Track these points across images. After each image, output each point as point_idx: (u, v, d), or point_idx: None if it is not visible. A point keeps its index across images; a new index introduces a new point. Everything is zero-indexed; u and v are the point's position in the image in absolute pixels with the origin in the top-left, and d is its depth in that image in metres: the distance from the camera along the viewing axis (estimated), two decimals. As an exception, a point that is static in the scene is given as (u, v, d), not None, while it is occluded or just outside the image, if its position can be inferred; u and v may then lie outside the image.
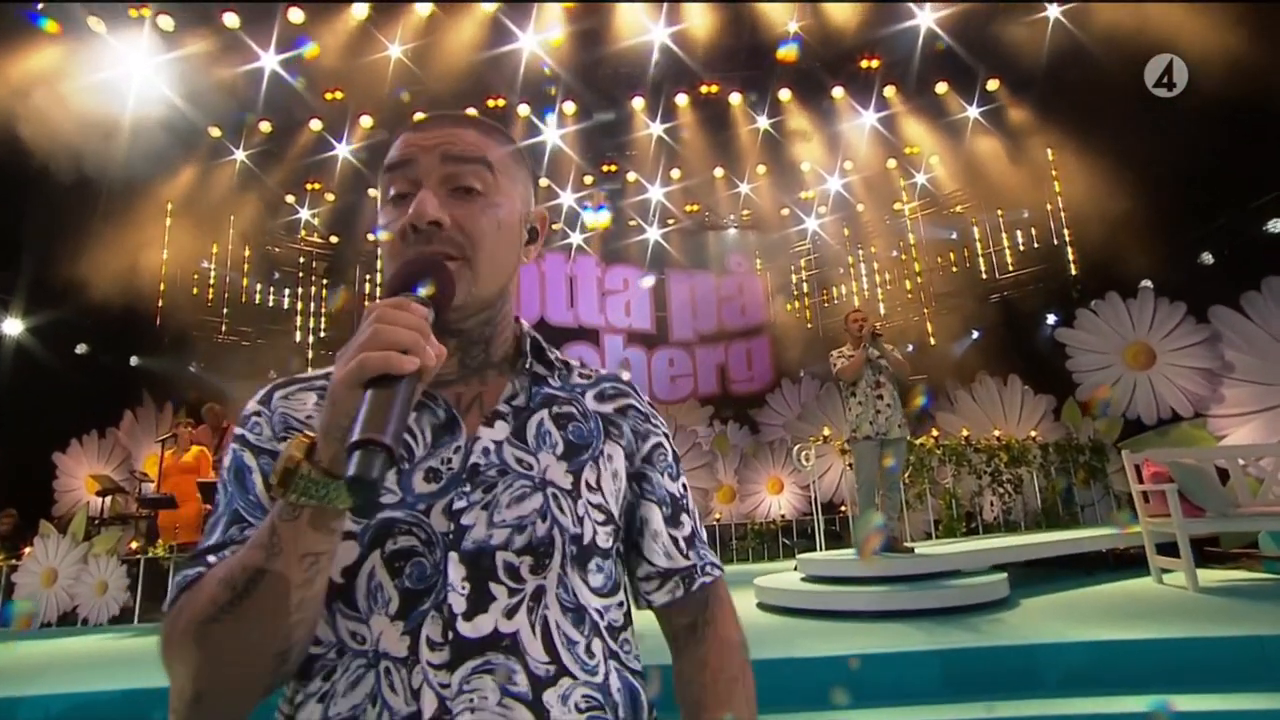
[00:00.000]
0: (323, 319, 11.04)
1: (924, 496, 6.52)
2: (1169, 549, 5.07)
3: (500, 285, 0.75)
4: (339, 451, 0.53)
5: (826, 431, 6.82)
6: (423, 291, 0.61)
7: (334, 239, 11.31)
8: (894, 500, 5.15)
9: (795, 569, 5.36)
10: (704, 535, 0.86)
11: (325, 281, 11.21)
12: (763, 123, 10.55)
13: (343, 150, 10.07)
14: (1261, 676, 3.19)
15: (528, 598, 0.65)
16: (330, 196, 10.74)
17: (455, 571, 0.64)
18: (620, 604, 0.74)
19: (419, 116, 0.76)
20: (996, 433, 7.06)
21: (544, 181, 11.33)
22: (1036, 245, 9.53)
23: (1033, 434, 7.13)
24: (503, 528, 0.66)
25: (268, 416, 0.72)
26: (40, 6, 7.19)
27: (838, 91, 9.90)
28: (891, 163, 10.98)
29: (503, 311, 0.78)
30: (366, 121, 9.72)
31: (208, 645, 0.56)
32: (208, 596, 0.57)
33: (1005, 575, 4.71)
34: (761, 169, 11.48)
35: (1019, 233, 9.84)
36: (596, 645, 0.68)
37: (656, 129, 10.57)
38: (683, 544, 0.81)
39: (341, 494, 0.54)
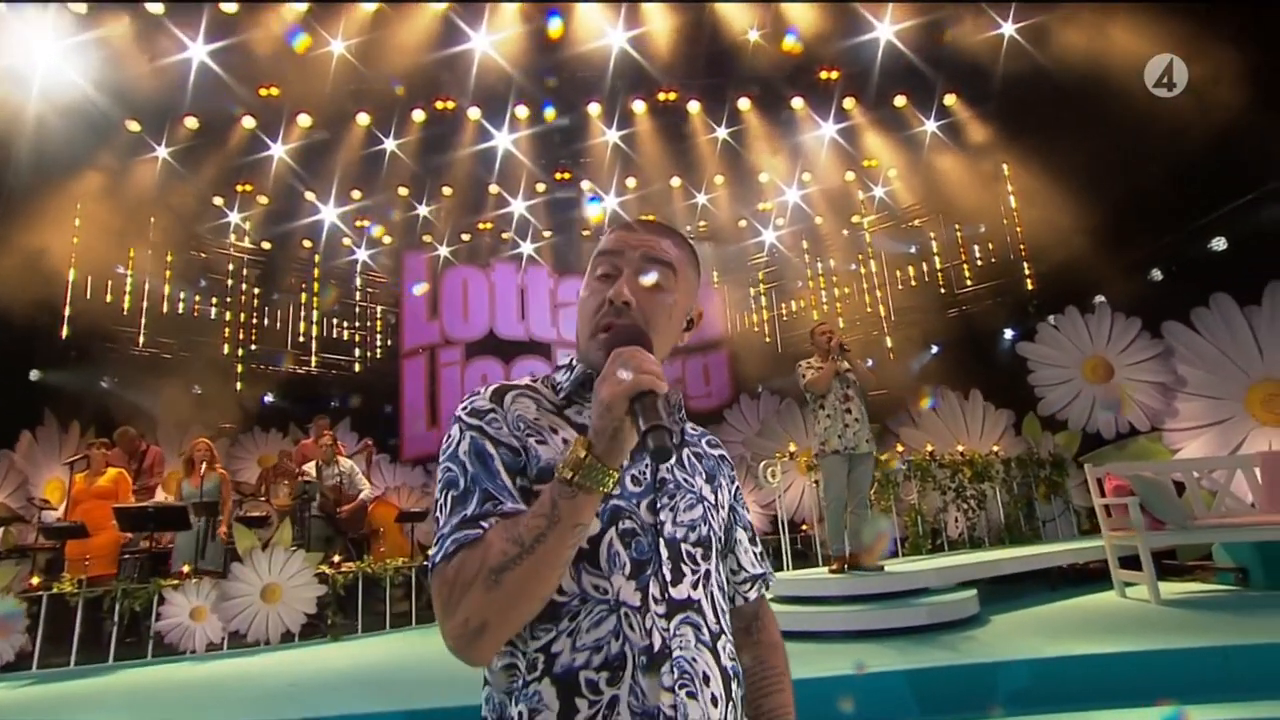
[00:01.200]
0: (254, 331, 10.60)
1: (890, 513, 6.64)
2: (1129, 562, 5.29)
3: (663, 356, 0.98)
4: (609, 447, 0.77)
5: (792, 447, 6.89)
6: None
7: (266, 245, 10.93)
8: (862, 517, 5.22)
9: (763, 590, 5.36)
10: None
11: (257, 291, 10.79)
12: (721, 132, 10.71)
13: (278, 150, 9.77)
14: (1228, 686, 3.34)
15: (702, 577, 0.93)
16: (263, 199, 10.38)
17: (663, 551, 0.90)
18: None
19: (631, 222, 1.05)
20: (960, 448, 7.26)
21: (494, 189, 11.24)
22: (994, 260, 9.92)
23: (995, 449, 7.36)
24: (683, 526, 0.93)
25: (502, 415, 0.93)
26: None
27: (797, 102, 10.14)
28: (850, 175, 11.28)
29: None
30: (304, 120, 9.46)
31: (499, 588, 0.77)
32: (499, 550, 0.78)
33: (975, 592, 4.82)
34: (719, 179, 11.64)
35: (976, 247, 10.23)
36: (729, 616, 0.98)
37: (612, 136, 10.62)
38: (758, 556, 1.15)
39: (610, 479, 0.77)
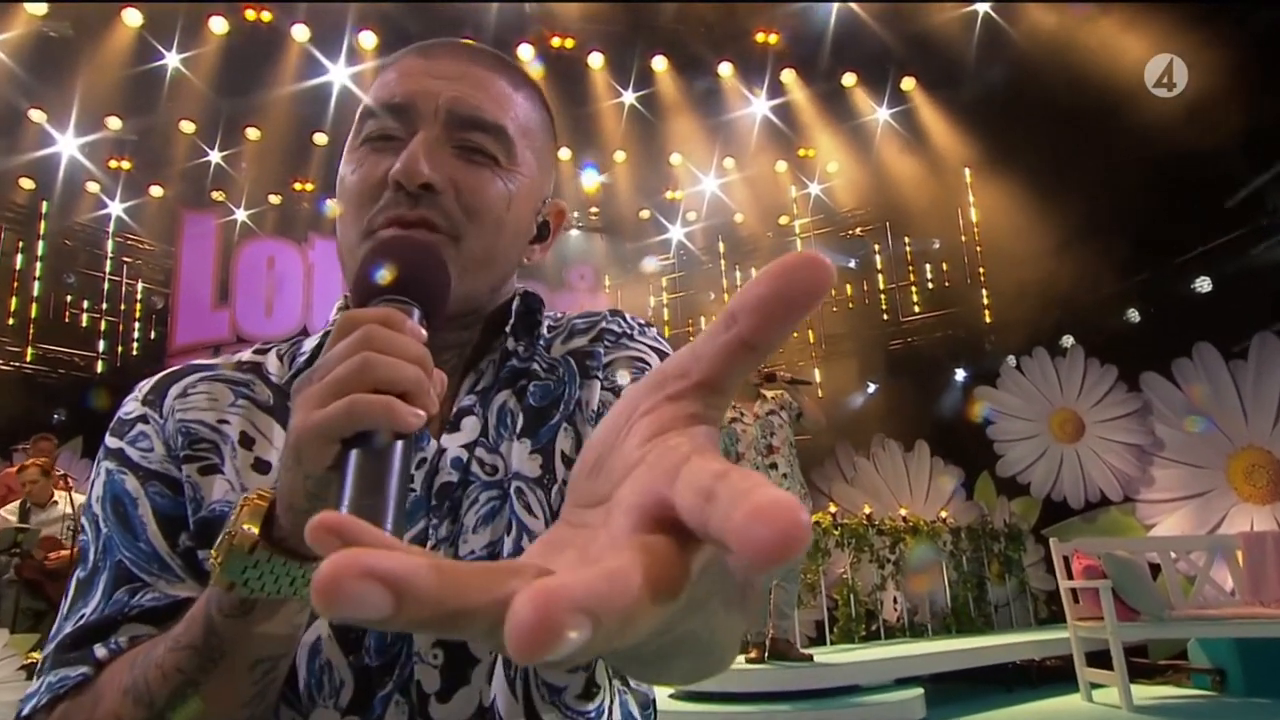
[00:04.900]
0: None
1: (817, 589, 6.73)
2: (1093, 659, 5.60)
3: (493, 284, 0.77)
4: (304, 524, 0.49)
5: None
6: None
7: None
8: (790, 593, 5.27)
9: (660, 687, 5.27)
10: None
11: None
12: (628, 97, 10.76)
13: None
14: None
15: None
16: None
17: (423, 637, 0.64)
18: None
19: (428, 43, 0.80)
20: (903, 512, 7.50)
21: (320, 138, 10.71)
22: (947, 284, 10.46)
23: (943, 515, 7.68)
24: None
25: (157, 425, 0.71)
26: None
27: (725, 68, 10.35)
28: (782, 166, 11.64)
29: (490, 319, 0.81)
30: (35, 4, 8.56)
31: None
32: (109, 714, 0.58)
33: (921, 692, 4.95)
34: (620, 156, 11.68)
35: (928, 267, 10.77)
36: (599, 674, 0.71)
37: (487, 85, 10.42)
38: None
39: (306, 579, 0.53)
